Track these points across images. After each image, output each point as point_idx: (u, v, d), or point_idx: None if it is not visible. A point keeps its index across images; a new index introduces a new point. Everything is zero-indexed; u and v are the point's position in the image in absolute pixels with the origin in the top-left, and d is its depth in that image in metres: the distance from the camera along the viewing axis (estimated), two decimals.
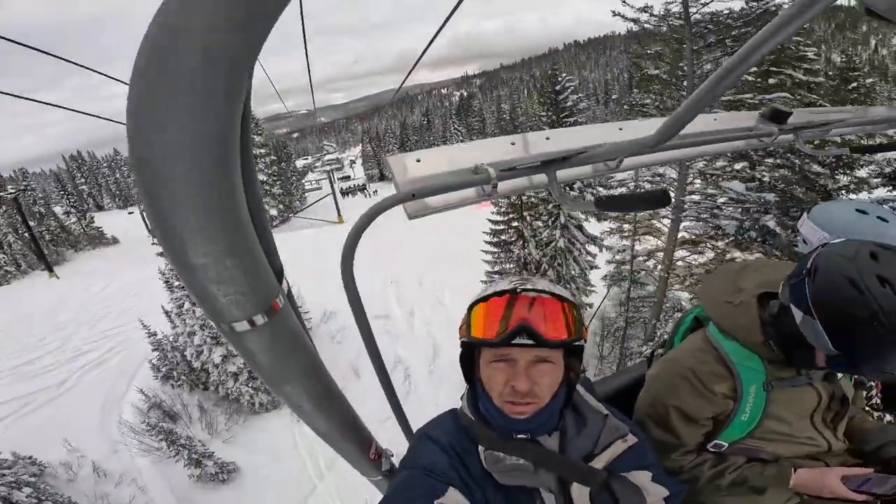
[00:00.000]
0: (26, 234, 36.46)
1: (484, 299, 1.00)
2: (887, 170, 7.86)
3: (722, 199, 10.54)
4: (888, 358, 0.95)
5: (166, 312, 14.29)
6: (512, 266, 14.46)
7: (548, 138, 1.08)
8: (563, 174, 1.04)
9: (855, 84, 11.10)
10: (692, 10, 10.79)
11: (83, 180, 71.81)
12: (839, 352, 0.99)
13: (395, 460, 1.33)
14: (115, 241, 47.44)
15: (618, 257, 14.22)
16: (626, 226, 13.44)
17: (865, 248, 1.01)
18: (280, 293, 0.68)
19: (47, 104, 3.34)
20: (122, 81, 3.40)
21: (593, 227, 14.67)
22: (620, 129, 1.18)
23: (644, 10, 11.21)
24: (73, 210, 48.46)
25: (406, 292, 21.40)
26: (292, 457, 12.51)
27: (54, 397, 15.60)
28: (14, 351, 19.47)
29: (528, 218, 13.65)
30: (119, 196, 77.01)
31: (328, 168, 51.39)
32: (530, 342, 0.92)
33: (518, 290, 0.97)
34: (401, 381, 15.19)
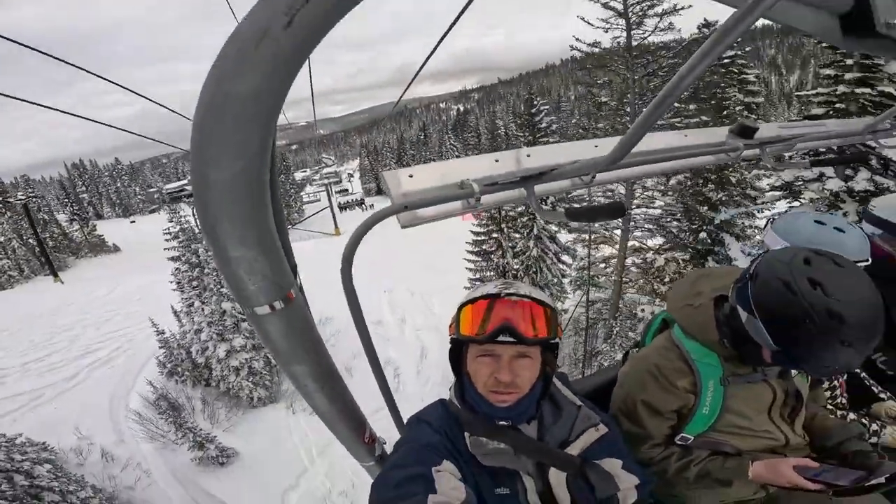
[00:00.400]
0: (30, 241, 37.59)
1: (472, 301, 1.12)
2: (777, 183, 9.28)
3: (660, 212, 12.12)
4: (822, 354, 1.02)
5: (175, 312, 15.45)
6: (492, 274, 15.77)
7: (528, 155, 1.16)
8: (540, 188, 1.13)
9: (726, 112, 12.62)
10: (634, 42, 12.61)
11: (84, 188, 72.68)
12: (779, 348, 1.08)
13: (388, 448, 1.39)
14: (116, 249, 48.34)
15: (581, 263, 15.68)
16: (583, 235, 15.00)
17: (801, 253, 1.10)
18: (294, 285, 0.79)
19: (57, 110, 3.58)
20: (128, 89, 3.82)
21: (563, 236, 16.10)
22: (596, 146, 1.25)
23: (594, 45, 13.22)
24: (76, 217, 49.38)
25: (398, 301, 22.59)
26: (287, 444, 13.57)
27: (64, 391, 16.62)
28: (23, 349, 20.41)
29: (505, 230, 15.06)
30: (119, 205, 77.65)
31: (326, 181, 52.51)
32: (512, 340, 1.05)
33: (502, 294, 1.10)
34: (390, 380, 16.24)
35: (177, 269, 15.63)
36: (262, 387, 15.35)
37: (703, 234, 9.83)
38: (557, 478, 1.08)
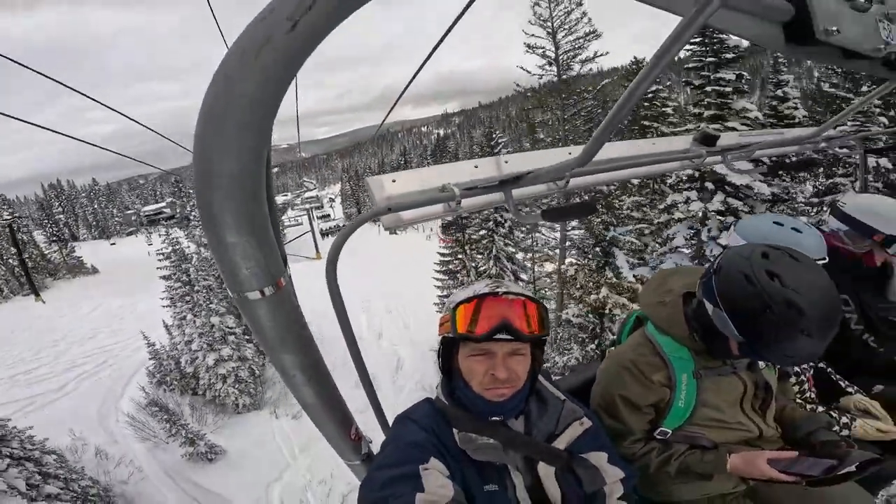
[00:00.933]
0: (10, 260, 37.85)
1: (468, 300, 1.12)
2: (662, 205, 11.71)
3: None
4: (783, 344, 1.08)
5: (166, 326, 16.87)
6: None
7: (506, 161, 1.22)
8: (518, 192, 1.18)
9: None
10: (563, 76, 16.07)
11: (61, 209, 71.62)
12: (744, 339, 1.14)
13: (374, 447, 1.38)
14: (94, 270, 48.22)
15: (529, 278, 17.98)
16: (528, 254, 17.42)
17: (759, 248, 1.17)
18: (284, 274, 0.82)
19: (38, 125, 3.45)
20: (117, 111, 3.70)
21: (520, 255, 18.32)
22: (570, 153, 1.30)
23: (533, 89, 16.92)
24: (56, 238, 49.32)
25: (375, 317, 24.27)
26: (270, 445, 14.95)
27: (54, 400, 17.63)
28: (10, 362, 21.24)
29: (468, 251, 17.15)
30: (96, 226, 76.32)
31: (308, 206, 53.20)
32: (509, 337, 1.08)
33: (499, 294, 1.11)
34: None
35: (169, 286, 17.08)
36: (247, 394, 16.70)
37: (597, 248, 12.38)
38: (546, 471, 1.13)
